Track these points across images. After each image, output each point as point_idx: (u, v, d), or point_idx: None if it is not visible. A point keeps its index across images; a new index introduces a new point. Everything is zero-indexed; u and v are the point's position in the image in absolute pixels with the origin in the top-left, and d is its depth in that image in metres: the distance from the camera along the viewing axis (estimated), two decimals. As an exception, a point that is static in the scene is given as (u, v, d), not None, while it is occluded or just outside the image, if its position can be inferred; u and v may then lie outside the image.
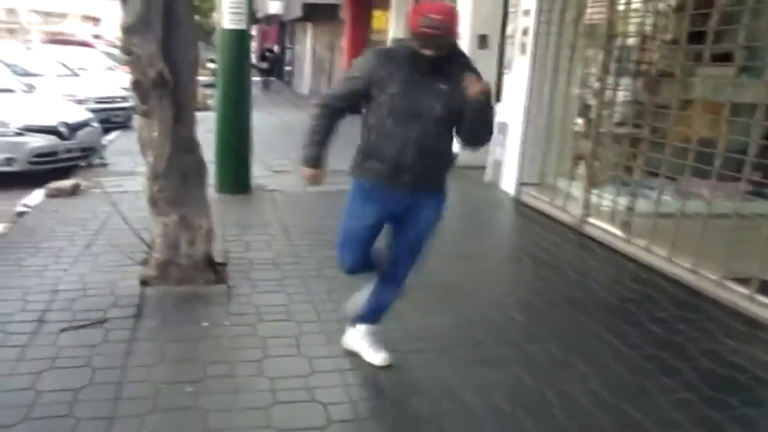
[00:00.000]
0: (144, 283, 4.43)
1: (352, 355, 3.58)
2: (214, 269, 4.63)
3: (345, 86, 3.26)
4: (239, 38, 6.96)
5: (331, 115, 3.25)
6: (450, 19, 2.99)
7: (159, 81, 4.18)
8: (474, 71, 3.10)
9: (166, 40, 4.21)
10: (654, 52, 6.31)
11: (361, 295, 3.57)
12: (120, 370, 3.35)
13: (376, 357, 3.50)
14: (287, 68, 30.60)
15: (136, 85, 4.21)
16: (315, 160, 3.28)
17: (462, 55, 3.18)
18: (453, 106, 3.07)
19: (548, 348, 3.80)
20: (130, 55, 4.19)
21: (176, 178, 4.39)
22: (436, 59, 3.01)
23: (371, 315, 3.54)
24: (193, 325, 3.93)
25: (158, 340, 3.71)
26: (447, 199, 3.37)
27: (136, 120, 4.36)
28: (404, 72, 3.06)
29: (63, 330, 3.75)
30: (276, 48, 31.79)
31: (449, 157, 3.30)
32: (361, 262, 3.38)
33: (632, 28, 6.26)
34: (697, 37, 5.27)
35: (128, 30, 4.13)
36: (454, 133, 3.21)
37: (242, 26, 6.90)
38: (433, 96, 3.06)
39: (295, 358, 3.57)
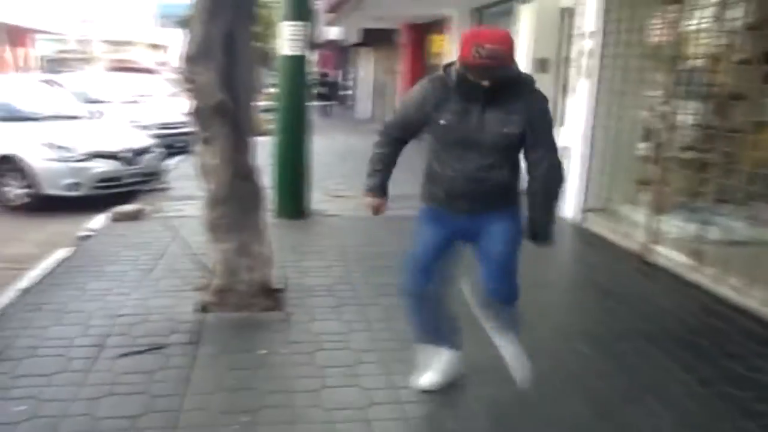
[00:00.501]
0: (202, 308, 4.44)
1: (410, 388, 3.49)
2: (272, 296, 4.61)
3: (401, 115, 3.24)
4: (298, 64, 7.00)
5: (391, 143, 3.25)
6: (505, 48, 2.85)
7: (220, 109, 4.22)
8: (534, 97, 3.02)
9: (227, 68, 4.25)
10: (724, 74, 6.08)
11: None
12: (178, 397, 3.35)
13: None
14: (346, 93, 30.85)
15: (198, 113, 4.26)
16: (377, 188, 3.27)
17: (522, 79, 3.04)
18: (510, 134, 2.98)
19: (615, 382, 3.64)
20: (191, 83, 4.23)
21: (235, 204, 4.40)
22: (491, 89, 2.90)
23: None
24: (251, 352, 3.91)
25: (216, 368, 3.70)
26: (520, 213, 3.22)
27: (197, 147, 4.39)
28: (456, 101, 2.99)
29: (122, 355, 3.78)
30: (334, 73, 32.13)
31: (508, 184, 3.13)
32: (424, 284, 3.24)
33: (701, 49, 6.04)
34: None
35: (190, 59, 4.19)
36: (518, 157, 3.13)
37: (301, 52, 6.95)
38: (487, 126, 2.96)
39: (353, 389, 3.50)
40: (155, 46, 48.83)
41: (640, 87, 6.54)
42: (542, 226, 3.21)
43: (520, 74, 3.03)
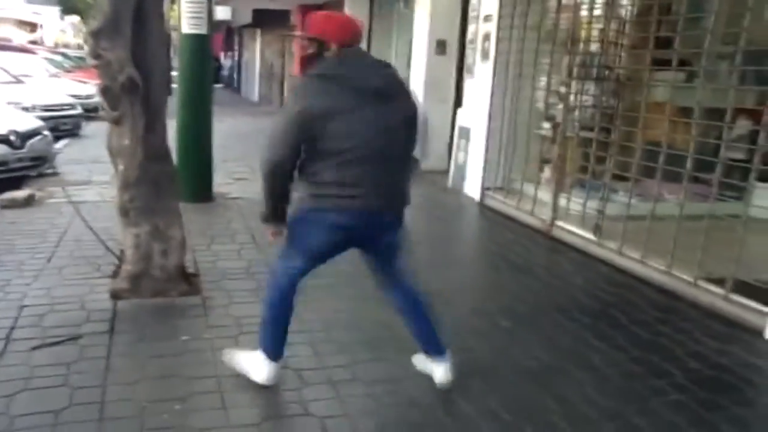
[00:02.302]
0: (115, 296, 4.25)
1: (341, 367, 3.49)
2: (188, 280, 4.49)
3: (288, 144, 2.90)
4: (200, 43, 6.79)
5: (286, 183, 3.00)
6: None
7: (129, 86, 4.02)
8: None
9: (136, 45, 4.06)
10: (617, 58, 6.41)
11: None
12: (100, 388, 3.18)
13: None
14: (232, 75, 30.25)
15: (106, 91, 4.05)
16: (277, 220, 3.11)
17: None
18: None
19: (539, 355, 3.78)
20: (98, 59, 4.02)
21: (148, 187, 4.22)
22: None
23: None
24: (172, 339, 3.77)
25: (137, 356, 3.55)
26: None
27: (107, 128, 4.18)
28: (351, 98, 2.88)
29: (35, 348, 3.55)
30: (221, 54, 31.38)
31: (408, 181, 3.21)
32: (292, 297, 3.22)
33: (595, 33, 6.33)
34: (659, 42, 5.40)
35: (96, 33, 3.97)
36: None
37: (203, 31, 6.73)
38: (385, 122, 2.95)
39: (283, 371, 3.44)
40: (25, 24, 45.82)
41: (537, 69, 6.77)
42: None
43: None
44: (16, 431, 2.83)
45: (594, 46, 6.37)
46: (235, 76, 29.97)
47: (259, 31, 23.70)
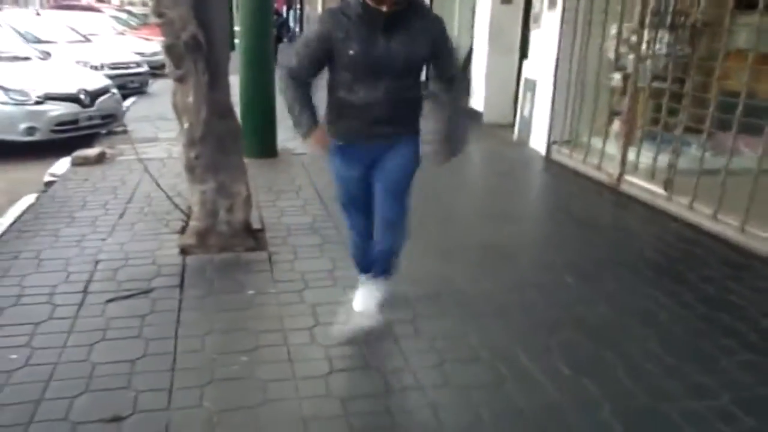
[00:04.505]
0: (183, 251, 4.38)
1: (404, 322, 3.52)
2: (254, 236, 4.58)
3: (306, 55, 3.05)
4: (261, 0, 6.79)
5: (300, 86, 3.10)
6: None
7: (192, 44, 4.07)
8: (433, 19, 3.09)
9: (198, 2, 4.08)
10: (695, 2, 6.09)
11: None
12: (172, 340, 3.31)
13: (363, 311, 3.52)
14: (295, 30, 30.19)
15: (170, 50, 4.10)
16: (312, 125, 3.13)
17: (419, 4, 3.06)
18: (416, 57, 3.04)
19: (602, 311, 3.73)
20: (161, 17, 4.06)
21: (213, 144, 4.30)
22: (392, 14, 2.91)
23: (380, 266, 3.47)
24: (238, 293, 3.87)
25: (206, 310, 3.66)
26: (420, 143, 3.28)
27: (171, 86, 4.24)
28: (360, 30, 2.94)
29: (109, 300, 3.71)
30: (284, 10, 31.32)
31: (419, 103, 3.23)
32: (366, 217, 3.38)
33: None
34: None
35: (160, -9, 4.01)
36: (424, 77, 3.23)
37: (264, -13, 6.72)
38: (395, 51, 2.96)
39: (347, 325, 3.51)
40: (93, -17, 46.64)
41: (607, 17, 6.52)
42: (456, 138, 3.28)
43: (415, 1, 3.03)
44: (97, 377, 2.98)
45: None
46: (296, 29, 29.94)
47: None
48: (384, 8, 2.89)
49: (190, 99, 4.19)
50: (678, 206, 5.34)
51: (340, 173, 3.28)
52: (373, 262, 3.47)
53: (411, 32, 2.97)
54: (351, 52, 2.95)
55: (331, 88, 3.13)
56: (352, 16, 2.95)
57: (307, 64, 3.07)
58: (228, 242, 4.42)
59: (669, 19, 6.06)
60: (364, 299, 3.53)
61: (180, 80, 4.18)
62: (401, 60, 2.98)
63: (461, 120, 3.33)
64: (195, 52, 4.09)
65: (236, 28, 6.31)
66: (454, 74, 3.22)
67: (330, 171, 3.33)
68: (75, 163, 6.71)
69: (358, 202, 3.34)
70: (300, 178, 6.37)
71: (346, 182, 3.30)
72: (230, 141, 4.39)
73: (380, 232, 3.34)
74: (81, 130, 8.01)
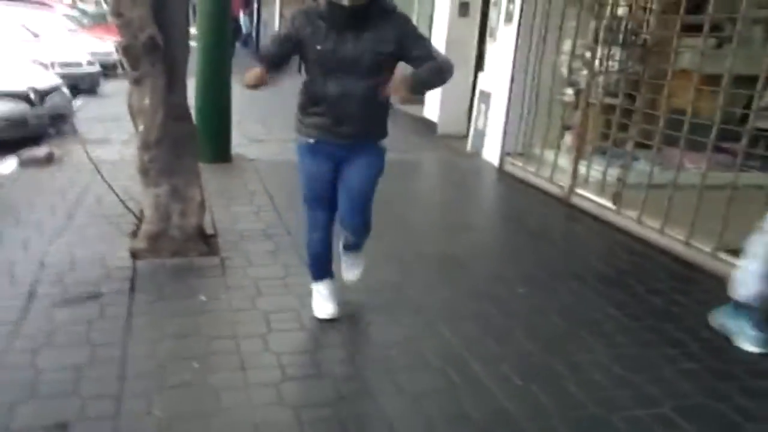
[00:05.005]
0: (134, 255, 4.30)
1: (359, 330, 3.53)
2: (206, 241, 4.53)
3: (276, 46, 3.25)
4: (218, 2, 6.73)
5: (274, 64, 3.21)
6: None
7: (150, 45, 4.02)
8: (397, 15, 3.16)
9: (157, 3, 4.04)
10: (646, 22, 6.28)
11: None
12: (121, 346, 3.24)
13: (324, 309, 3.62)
14: (248, 34, 29.98)
15: (127, 50, 4.04)
16: (265, 64, 3.16)
17: (383, 2, 3.15)
18: (383, 54, 3.10)
19: (554, 320, 3.80)
20: (119, 17, 4.00)
21: (168, 147, 4.24)
22: (355, 11, 3.02)
23: (352, 248, 3.73)
24: (190, 298, 3.82)
25: (157, 315, 3.60)
26: (386, 150, 3.40)
27: (128, 87, 4.18)
28: (328, 27, 3.08)
29: (56, 305, 3.62)
30: (240, 15, 31.04)
31: (386, 105, 3.32)
32: (331, 212, 3.45)
33: (622, -2, 6.20)
34: (690, 7, 5.25)
35: (118, -10, 3.95)
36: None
37: (222, -11, 6.67)
38: (361, 48, 3.07)
39: (300, 332, 3.51)
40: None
41: (562, 33, 6.65)
42: (420, 79, 3.18)
43: None
44: (42, 383, 2.90)
45: (622, 10, 6.24)
46: (253, 35, 29.70)
47: (278, -10, 23.44)
48: (345, 2, 2.97)
49: (147, 101, 4.13)
50: (626, 220, 5.47)
51: (306, 169, 3.37)
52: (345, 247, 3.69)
53: (377, 29, 3.08)
54: (318, 47, 3.08)
55: (303, 85, 3.26)
56: (320, 14, 3.09)
57: (277, 54, 3.21)
58: (180, 247, 4.36)
59: (621, 37, 6.22)
60: (322, 305, 3.62)
61: (136, 82, 4.12)
62: (367, 56, 3.07)
63: (432, 73, 3.22)
64: (153, 53, 4.04)
65: (193, 31, 6.24)
66: (434, 59, 3.20)
67: (298, 168, 3.42)
68: (22, 164, 6.53)
69: (322, 199, 3.40)
70: (253, 184, 6.33)
71: (312, 179, 3.37)
72: (186, 144, 4.34)
73: (345, 234, 3.56)
74: (30, 130, 7.79)
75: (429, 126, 9.60)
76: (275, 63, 3.21)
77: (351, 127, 3.21)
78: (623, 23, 6.22)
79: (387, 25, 3.11)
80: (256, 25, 29.35)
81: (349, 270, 3.79)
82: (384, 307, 3.83)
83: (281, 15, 23.17)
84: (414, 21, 10.33)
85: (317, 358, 3.27)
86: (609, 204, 5.73)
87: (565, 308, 3.97)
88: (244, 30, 30.29)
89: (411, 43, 3.17)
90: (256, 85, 3.14)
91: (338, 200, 3.39)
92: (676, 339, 3.64)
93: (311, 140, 3.29)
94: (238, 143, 7.68)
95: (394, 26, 3.13)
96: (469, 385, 3.08)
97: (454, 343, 3.46)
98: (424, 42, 3.26)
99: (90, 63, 12.09)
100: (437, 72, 3.21)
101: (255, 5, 29.69)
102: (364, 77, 3.11)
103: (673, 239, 4.97)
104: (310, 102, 3.24)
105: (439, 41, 9.42)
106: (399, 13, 3.21)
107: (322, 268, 3.62)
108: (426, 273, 4.39)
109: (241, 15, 30.97)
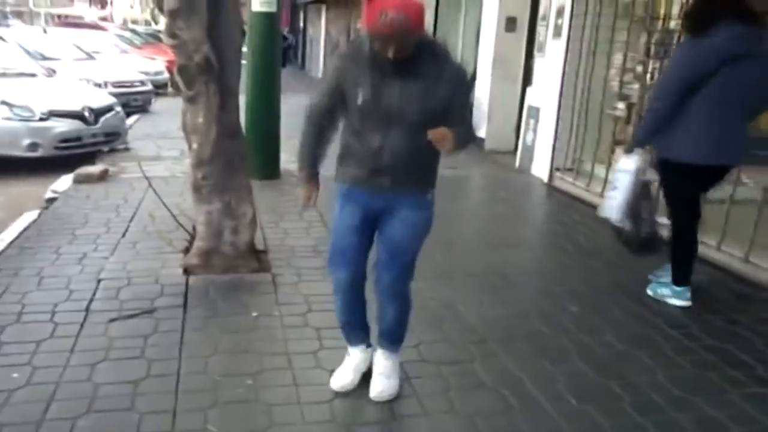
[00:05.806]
0: (187, 271, 4.36)
1: (409, 347, 3.49)
2: (257, 257, 4.56)
3: (320, 96, 2.93)
4: (269, 21, 6.82)
5: (314, 125, 2.97)
6: (410, 14, 2.53)
7: (205, 66, 4.09)
8: (451, 66, 2.78)
9: (211, 24, 4.11)
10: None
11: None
12: (176, 361, 3.28)
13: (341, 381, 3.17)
14: (296, 51, 30.37)
15: (182, 70, 4.12)
16: (304, 177, 3.08)
17: (435, 48, 2.78)
18: (431, 106, 2.72)
19: (608, 339, 3.71)
20: (174, 39, 4.08)
21: (221, 165, 4.30)
22: (401, 60, 2.64)
23: (387, 337, 3.18)
24: (242, 315, 3.85)
25: (210, 331, 3.63)
26: (433, 203, 2.99)
27: (182, 106, 4.26)
28: (370, 75, 2.72)
29: (112, 320, 3.68)
30: (287, 32, 31.52)
31: (432, 159, 2.92)
32: (354, 272, 3.04)
33: (675, 9, 6.09)
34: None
35: (173, 13, 4.03)
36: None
37: (272, 9, 6.76)
38: (406, 99, 2.70)
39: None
40: (96, 1, 47.08)
41: (613, 47, 6.57)
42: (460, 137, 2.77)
43: (430, 44, 2.78)
44: (100, 398, 2.95)
45: (674, 23, 6.13)
46: (299, 52, 30.11)
47: (324, 8, 23.75)
48: (389, 54, 2.60)
49: (200, 119, 4.19)
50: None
51: (336, 218, 3.03)
52: (379, 334, 3.19)
53: (427, 78, 2.71)
54: (360, 99, 2.74)
55: (342, 131, 2.93)
56: (362, 60, 2.74)
57: (322, 105, 2.92)
58: (232, 263, 4.41)
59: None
60: (339, 373, 3.21)
61: (191, 101, 4.19)
62: (414, 110, 2.71)
63: (466, 139, 2.87)
64: (207, 73, 4.11)
65: (243, 50, 6.32)
66: (470, 127, 2.92)
67: (334, 220, 3.08)
68: (77, 180, 6.70)
69: (344, 255, 3.02)
70: (303, 200, 6.35)
71: (337, 230, 3.04)
72: (237, 162, 4.39)
73: (382, 304, 3.09)
74: (84, 147, 8.01)
75: (476, 141, 9.55)
76: (322, 120, 2.94)
77: (388, 178, 2.83)
78: (674, 36, 6.10)
79: (440, 75, 2.72)
80: (303, 42, 29.71)
81: (379, 380, 3.11)
82: (434, 324, 3.80)
83: (327, 33, 23.48)
84: (460, 37, 10.25)
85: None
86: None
87: (619, 327, 3.88)
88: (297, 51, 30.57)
89: (456, 109, 2.79)
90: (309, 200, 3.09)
91: (378, 252, 2.99)
92: (739, 360, 3.52)
93: (346, 185, 2.95)
94: (287, 160, 7.74)
95: (449, 82, 2.73)
96: (524, 405, 3.03)
97: (507, 362, 3.41)
98: (467, 111, 2.89)
99: (142, 82, 12.38)
100: (469, 139, 2.91)
101: (301, 23, 30.13)
102: (409, 131, 2.74)
103: (731, 256, 4.83)
104: (346, 152, 2.92)
105: (485, 56, 9.42)
106: (453, 63, 2.81)
107: (351, 334, 3.24)
108: (476, 291, 4.34)
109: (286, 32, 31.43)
